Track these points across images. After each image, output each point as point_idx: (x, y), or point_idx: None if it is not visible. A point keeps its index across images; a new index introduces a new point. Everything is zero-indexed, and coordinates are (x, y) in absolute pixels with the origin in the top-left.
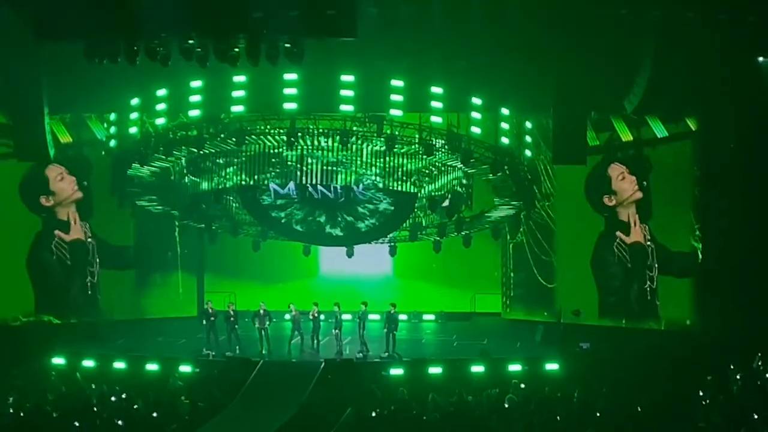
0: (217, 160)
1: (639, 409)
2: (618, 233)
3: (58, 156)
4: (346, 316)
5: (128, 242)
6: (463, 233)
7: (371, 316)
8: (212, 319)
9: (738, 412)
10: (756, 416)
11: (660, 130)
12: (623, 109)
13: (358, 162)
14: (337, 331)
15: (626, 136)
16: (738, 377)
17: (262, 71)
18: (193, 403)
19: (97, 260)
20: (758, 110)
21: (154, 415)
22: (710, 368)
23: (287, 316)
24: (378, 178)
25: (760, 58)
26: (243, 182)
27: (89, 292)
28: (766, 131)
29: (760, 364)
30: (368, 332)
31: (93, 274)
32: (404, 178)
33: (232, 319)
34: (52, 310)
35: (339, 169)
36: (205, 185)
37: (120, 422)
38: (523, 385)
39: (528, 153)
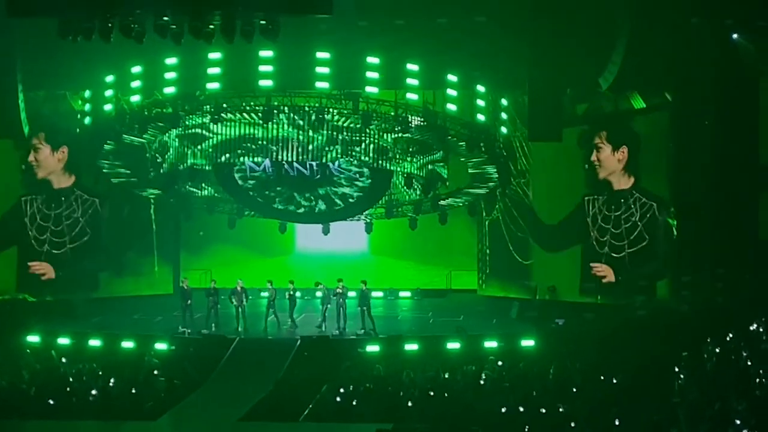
0: (193, 138)
1: (614, 384)
2: None
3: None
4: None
5: None
6: (438, 211)
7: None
8: (188, 302)
9: (713, 388)
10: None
11: (637, 103)
12: (598, 86)
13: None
14: (327, 306)
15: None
16: (714, 353)
17: (238, 48)
18: (168, 381)
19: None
20: (733, 87)
21: (131, 392)
22: (686, 344)
23: (264, 294)
24: (354, 156)
25: (735, 35)
26: (218, 159)
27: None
28: (740, 108)
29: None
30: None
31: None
32: (380, 155)
33: (211, 297)
34: (28, 288)
35: (314, 146)
36: (180, 162)
37: (95, 400)
38: (500, 363)
39: (504, 130)
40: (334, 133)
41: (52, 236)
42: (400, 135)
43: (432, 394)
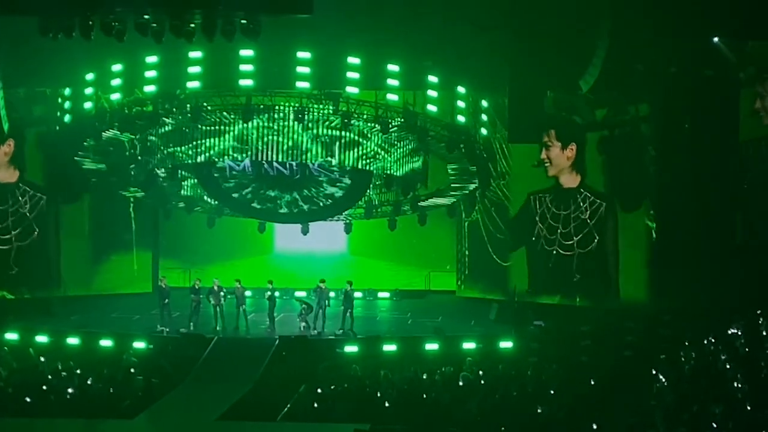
0: (172, 137)
1: (591, 387)
2: None
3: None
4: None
5: None
6: (417, 212)
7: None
8: (165, 300)
9: (690, 391)
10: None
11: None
12: (579, 89)
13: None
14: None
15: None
16: (691, 356)
17: (218, 47)
18: (146, 380)
19: None
20: (713, 90)
21: (110, 389)
22: (663, 347)
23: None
24: (333, 156)
25: (716, 39)
26: (198, 159)
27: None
28: (721, 111)
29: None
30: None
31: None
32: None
33: (194, 295)
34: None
35: (294, 146)
36: (160, 161)
37: (73, 398)
38: (481, 372)
39: (484, 131)
40: (315, 133)
41: None
42: (380, 135)
43: (410, 395)
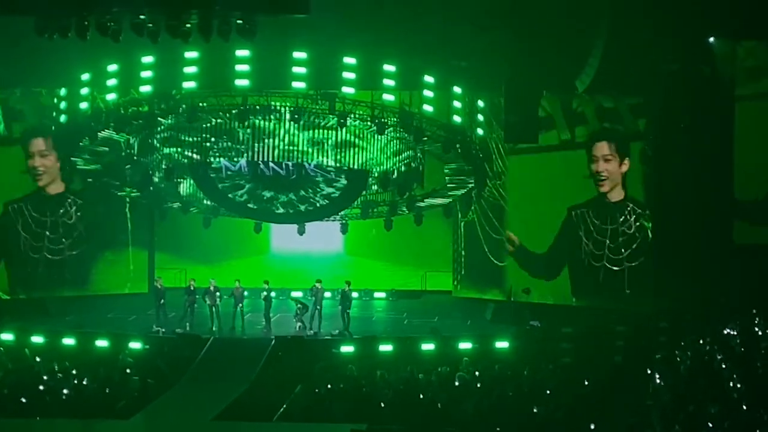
0: (168, 137)
1: (587, 388)
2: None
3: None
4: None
5: None
6: (414, 212)
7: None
8: (161, 301)
9: (687, 391)
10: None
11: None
12: (575, 89)
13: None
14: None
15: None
16: (688, 356)
17: (214, 47)
18: (142, 380)
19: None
20: (710, 89)
21: (106, 389)
22: (659, 346)
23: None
24: (330, 156)
25: (711, 38)
26: (194, 159)
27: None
28: (717, 110)
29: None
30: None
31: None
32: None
33: (189, 296)
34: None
35: (291, 147)
36: (155, 162)
37: (69, 398)
38: (477, 372)
39: (480, 132)
40: (311, 133)
41: None
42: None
43: (406, 395)
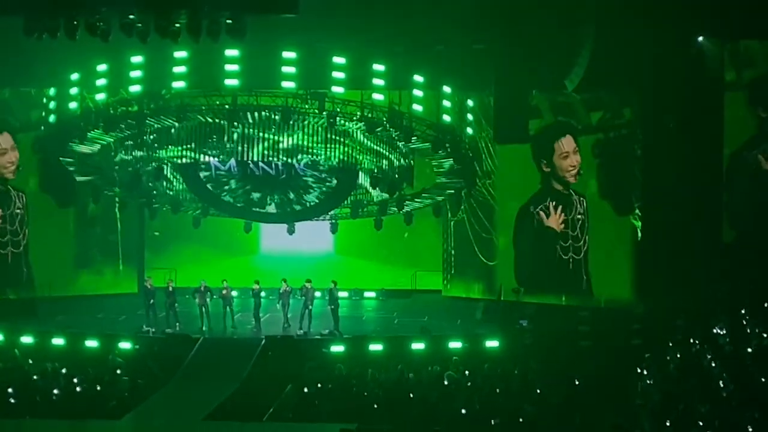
0: (158, 137)
1: (576, 387)
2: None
3: None
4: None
5: None
6: (404, 211)
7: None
8: (151, 301)
9: (676, 390)
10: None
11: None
12: (564, 88)
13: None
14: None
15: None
16: (677, 355)
17: (204, 47)
18: (132, 380)
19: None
20: (698, 89)
21: (96, 389)
22: (649, 346)
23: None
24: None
25: (700, 38)
26: (183, 159)
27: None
28: (705, 111)
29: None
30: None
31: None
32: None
33: (168, 298)
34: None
35: (280, 145)
36: (145, 162)
37: (59, 399)
38: (467, 372)
39: (469, 131)
40: (300, 133)
41: None
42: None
43: (396, 394)
